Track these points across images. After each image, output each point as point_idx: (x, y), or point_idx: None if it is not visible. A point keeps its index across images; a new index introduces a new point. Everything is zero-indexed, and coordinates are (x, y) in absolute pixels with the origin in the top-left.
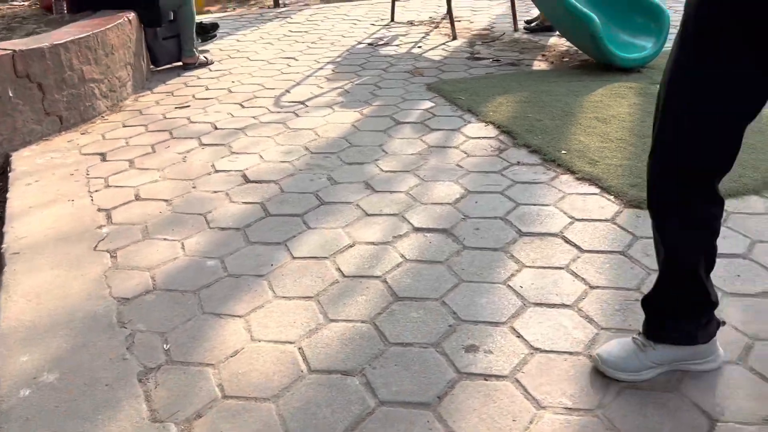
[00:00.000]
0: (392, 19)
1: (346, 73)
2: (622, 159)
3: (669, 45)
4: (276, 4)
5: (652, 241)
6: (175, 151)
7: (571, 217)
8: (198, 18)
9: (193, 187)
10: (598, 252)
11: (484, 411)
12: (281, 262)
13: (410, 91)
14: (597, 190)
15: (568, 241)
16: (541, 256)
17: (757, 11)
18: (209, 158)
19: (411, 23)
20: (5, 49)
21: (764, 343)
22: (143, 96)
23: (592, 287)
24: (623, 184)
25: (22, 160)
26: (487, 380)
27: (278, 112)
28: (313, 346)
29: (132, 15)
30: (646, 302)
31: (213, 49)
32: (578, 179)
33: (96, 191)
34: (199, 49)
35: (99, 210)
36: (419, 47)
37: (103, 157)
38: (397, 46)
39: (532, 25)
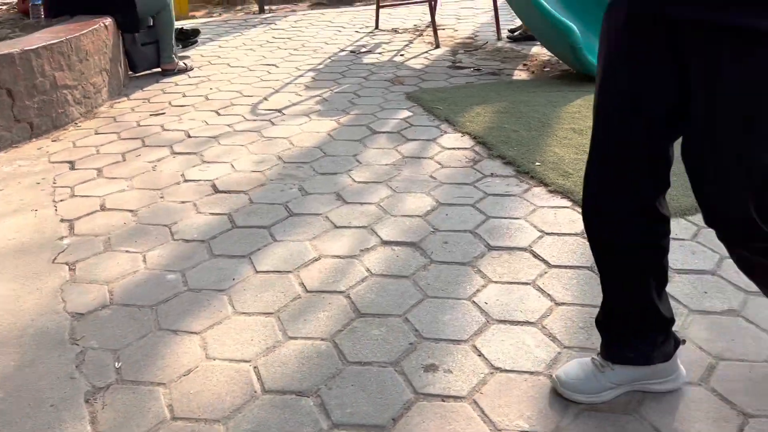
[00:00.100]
0: (377, 27)
1: (327, 81)
2: None
3: None
4: (261, 10)
5: None
6: (146, 159)
7: (541, 231)
8: (180, 24)
9: (161, 197)
10: (566, 267)
11: None
12: (244, 276)
13: (389, 100)
14: (569, 203)
15: (536, 256)
16: (509, 271)
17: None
18: (180, 167)
19: (395, 31)
20: None
21: (728, 363)
22: (119, 102)
23: (557, 304)
24: None
25: None
26: (444, 401)
27: (254, 120)
28: (270, 364)
29: (108, 20)
30: (599, 323)
31: (194, 55)
32: (550, 192)
33: (61, 201)
34: (180, 55)
35: (62, 221)
36: (402, 55)
37: (71, 165)
38: (379, 53)
39: (515, 34)
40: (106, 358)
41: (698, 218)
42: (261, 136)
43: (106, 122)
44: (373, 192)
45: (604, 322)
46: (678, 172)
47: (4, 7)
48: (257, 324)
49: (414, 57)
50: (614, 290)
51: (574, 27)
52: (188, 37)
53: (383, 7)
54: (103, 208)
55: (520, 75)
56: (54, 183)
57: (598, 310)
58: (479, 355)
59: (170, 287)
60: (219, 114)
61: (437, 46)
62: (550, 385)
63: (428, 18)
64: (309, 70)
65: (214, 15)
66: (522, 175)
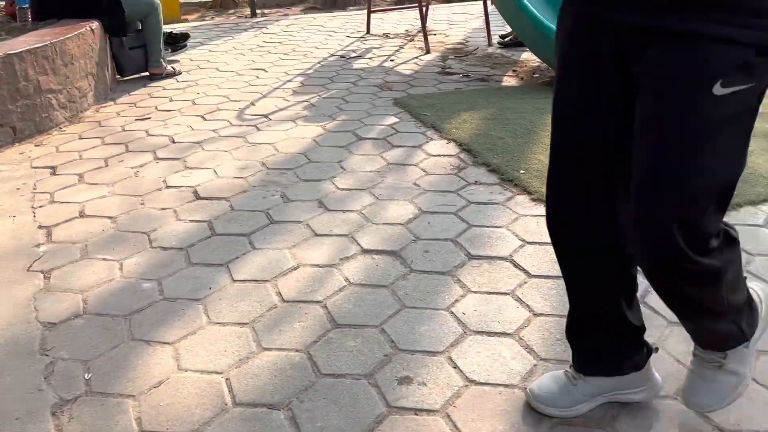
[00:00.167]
0: (368, 32)
1: (315, 86)
2: None
3: None
4: (253, 14)
5: None
6: (129, 165)
7: (523, 240)
8: (169, 27)
9: (141, 204)
10: (545, 277)
11: None
12: (220, 285)
13: (376, 106)
14: None
15: (516, 265)
16: (488, 281)
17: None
18: (162, 173)
19: (386, 36)
20: None
21: None
22: (105, 107)
23: (535, 314)
24: None
25: None
26: (417, 415)
27: (239, 126)
28: (242, 376)
29: (95, 24)
30: (568, 333)
31: (183, 59)
32: (534, 200)
33: (40, 207)
34: (169, 59)
35: (40, 227)
36: (392, 60)
37: (53, 170)
38: (369, 59)
39: (506, 39)
40: (76, 369)
41: None
42: (246, 141)
43: (90, 127)
44: (356, 199)
45: (571, 331)
46: None
47: None
48: (231, 334)
49: (404, 62)
50: (576, 296)
51: None
52: (177, 41)
53: (374, 12)
54: (82, 214)
55: (509, 81)
56: (34, 189)
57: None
58: (454, 367)
59: (145, 296)
60: (205, 119)
61: (428, 52)
62: (524, 398)
63: (420, 23)
64: (298, 75)
65: (207, 19)
66: (506, 183)
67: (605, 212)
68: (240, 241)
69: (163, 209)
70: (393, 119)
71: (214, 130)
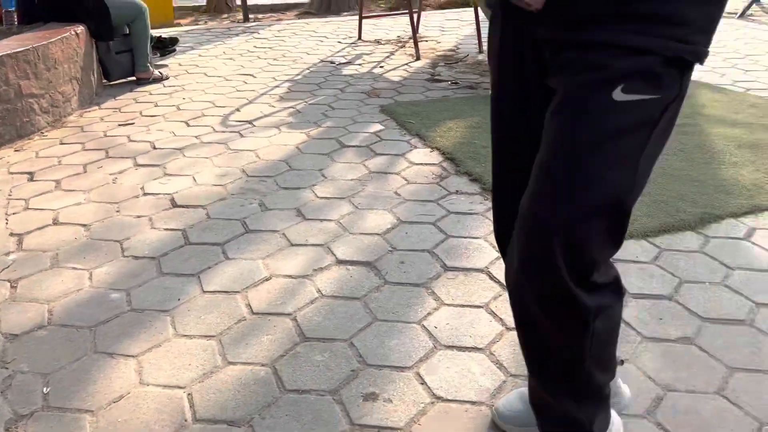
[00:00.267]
0: (359, 38)
1: (302, 92)
2: None
3: None
4: (246, 19)
5: None
6: (108, 171)
7: (499, 252)
8: (158, 32)
9: (117, 211)
10: None
11: None
12: (190, 295)
13: (363, 113)
14: None
15: (492, 278)
16: (463, 293)
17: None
18: (140, 180)
19: (378, 42)
20: None
21: (677, 394)
22: (89, 111)
23: (508, 329)
24: None
25: None
26: None
27: (223, 132)
28: (205, 391)
29: (81, 28)
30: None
31: (172, 63)
32: None
33: (14, 214)
34: (158, 63)
35: (11, 235)
36: (381, 67)
37: (30, 176)
38: (359, 65)
39: None
40: (35, 382)
41: (660, 240)
42: (227, 148)
43: (73, 132)
44: (335, 208)
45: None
46: (645, 191)
47: None
48: (197, 347)
49: (393, 69)
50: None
51: None
52: (166, 46)
53: (366, 18)
54: (55, 222)
55: None
56: (9, 195)
57: None
58: (422, 383)
59: (113, 307)
60: (188, 125)
61: (418, 58)
62: (491, 416)
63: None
64: (286, 80)
65: (200, 23)
66: (487, 193)
67: None
68: (213, 251)
69: (138, 217)
70: (378, 126)
71: (196, 136)
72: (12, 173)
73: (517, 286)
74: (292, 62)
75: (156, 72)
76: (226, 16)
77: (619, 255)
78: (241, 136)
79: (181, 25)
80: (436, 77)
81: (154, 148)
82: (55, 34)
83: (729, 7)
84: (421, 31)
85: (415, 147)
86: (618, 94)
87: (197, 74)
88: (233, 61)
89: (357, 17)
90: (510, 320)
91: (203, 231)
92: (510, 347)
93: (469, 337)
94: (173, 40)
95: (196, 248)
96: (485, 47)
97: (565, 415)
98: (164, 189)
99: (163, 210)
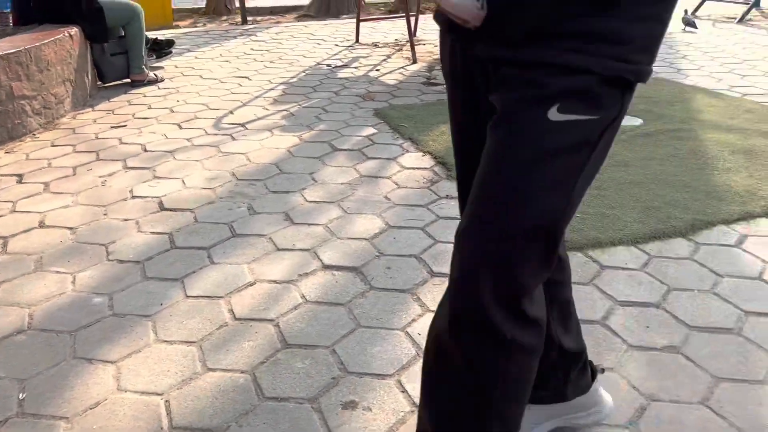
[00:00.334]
0: (357, 40)
1: (297, 95)
2: None
3: None
4: (244, 21)
5: None
6: (97, 174)
7: None
8: (155, 34)
9: (104, 215)
10: None
11: None
12: (172, 300)
13: (356, 117)
14: None
15: None
16: None
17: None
18: (129, 183)
19: (375, 45)
20: None
21: (660, 404)
22: (83, 113)
23: None
24: None
25: None
26: None
27: (215, 135)
28: (182, 398)
29: (74, 30)
30: None
31: (168, 65)
32: None
33: (0, 216)
34: (153, 65)
35: None
36: (377, 70)
37: (19, 179)
38: (355, 68)
39: None
40: (11, 388)
41: (650, 247)
42: (219, 151)
43: (65, 134)
44: (324, 212)
45: None
46: (636, 197)
47: None
48: (177, 353)
49: (389, 72)
50: None
51: None
52: (162, 48)
53: (364, 21)
54: (42, 225)
55: None
56: None
57: None
58: (402, 392)
59: (94, 311)
60: (181, 127)
61: (414, 62)
62: None
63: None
64: (281, 83)
65: (199, 25)
66: None
67: None
68: (199, 255)
69: (125, 220)
70: (371, 130)
71: (188, 139)
72: (1, 175)
73: (441, 306)
74: (289, 65)
75: (151, 74)
76: (225, 18)
77: (607, 261)
78: (233, 139)
79: (180, 27)
80: (432, 81)
81: (145, 150)
82: (49, 35)
83: (729, 12)
84: (419, 34)
85: (408, 151)
86: (553, 114)
87: (192, 76)
88: (229, 63)
89: (355, 20)
90: None
91: (190, 235)
92: None
93: None
94: (169, 42)
95: (182, 252)
96: None
97: None
98: (153, 192)
99: (150, 213)
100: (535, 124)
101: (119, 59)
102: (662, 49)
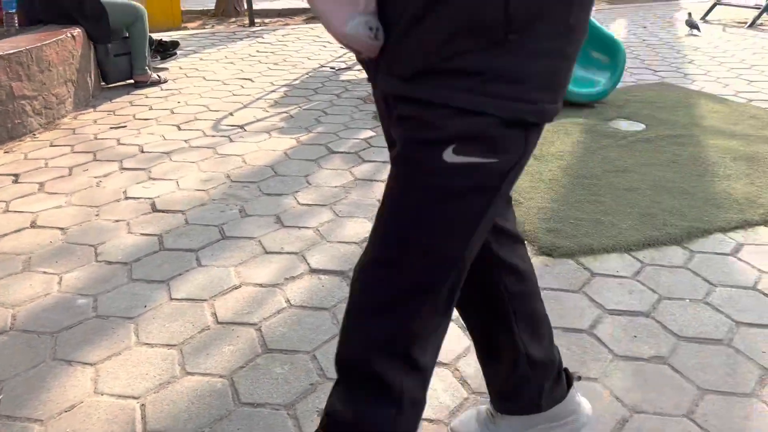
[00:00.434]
0: None
1: (298, 97)
2: (548, 201)
3: (624, 80)
4: (251, 23)
5: (557, 292)
6: (93, 174)
7: None
8: (160, 35)
9: (96, 215)
10: None
11: None
12: (156, 303)
13: (355, 119)
14: None
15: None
16: None
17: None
18: (124, 184)
19: None
20: None
21: (643, 416)
22: (84, 114)
23: None
24: (539, 228)
25: None
26: None
27: (213, 137)
28: (158, 402)
29: (77, 31)
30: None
31: (173, 67)
32: None
33: None
34: (158, 66)
35: None
36: None
37: (16, 178)
38: (358, 70)
39: None
40: None
41: (644, 254)
42: (215, 153)
43: (64, 134)
44: (315, 215)
45: (482, 370)
46: (633, 203)
47: None
48: (157, 356)
49: None
50: (481, 341)
51: None
52: (167, 49)
53: None
54: (33, 225)
55: None
56: None
57: None
58: None
59: (78, 313)
60: (180, 129)
61: None
62: None
63: None
64: (284, 85)
65: (207, 27)
66: None
67: None
68: (187, 257)
69: (116, 221)
70: (369, 133)
71: (185, 141)
72: None
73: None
74: (292, 67)
75: (154, 75)
76: (233, 20)
77: (599, 269)
78: (231, 140)
79: (188, 29)
80: None
81: (142, 151)
82: (51, 36)
83: (740, 16)
84: None
85: None
86: (449, 155)
87: (196, 78)
88: (233, 65)
89: None
90: None
91: (179, 237)
92: (476, 363)
93: None
94: (174, 44)
95: (170, 254)
96: None
97: None
98: (146, 193)
99: (142, 214)
100: (431, 166)
101: (123, 60)
102: (669, 53)
